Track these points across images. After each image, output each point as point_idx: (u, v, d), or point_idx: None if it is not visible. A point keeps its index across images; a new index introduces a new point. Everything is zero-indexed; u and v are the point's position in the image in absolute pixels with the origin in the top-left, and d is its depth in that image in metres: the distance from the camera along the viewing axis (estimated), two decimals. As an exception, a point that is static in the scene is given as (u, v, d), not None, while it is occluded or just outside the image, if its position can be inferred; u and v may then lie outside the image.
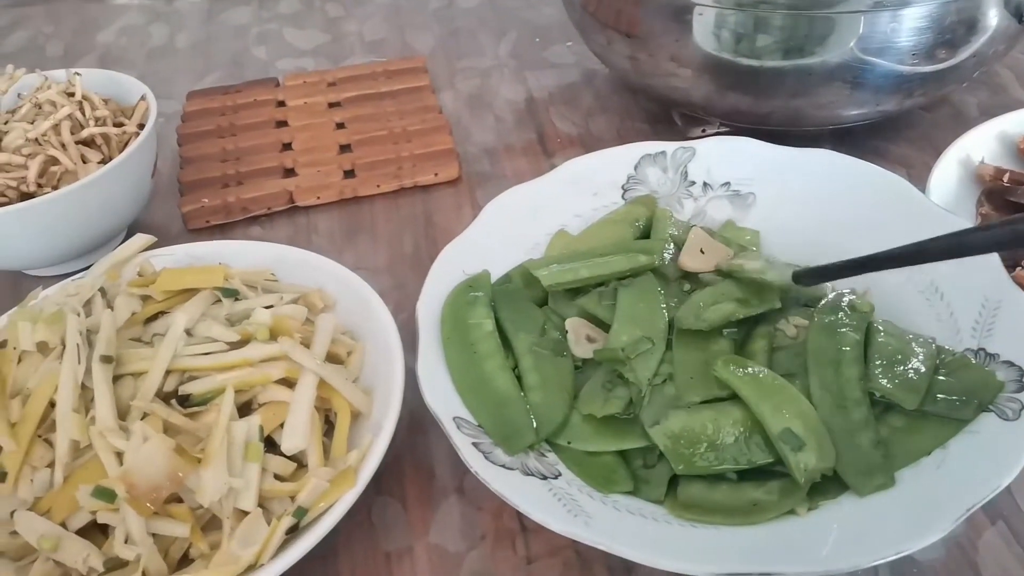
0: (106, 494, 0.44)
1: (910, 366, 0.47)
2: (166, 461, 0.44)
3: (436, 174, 0.74)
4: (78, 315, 0.50)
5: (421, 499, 0.52)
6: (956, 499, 0.41)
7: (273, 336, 0.51)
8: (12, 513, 0.46)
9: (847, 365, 0.48)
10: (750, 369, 0.48)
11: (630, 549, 0.40)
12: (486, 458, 0.45)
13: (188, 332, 0.51)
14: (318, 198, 0.73)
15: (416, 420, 0.54)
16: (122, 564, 0.45)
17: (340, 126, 0.81)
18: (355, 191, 0.74)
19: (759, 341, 0.52)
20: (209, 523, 0.47)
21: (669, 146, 0.63)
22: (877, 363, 0.48)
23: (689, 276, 0.57)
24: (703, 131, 0.75)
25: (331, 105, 0.84)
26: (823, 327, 0.50)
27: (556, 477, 0.47)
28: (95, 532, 0.46)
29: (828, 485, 0.45)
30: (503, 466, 0.46)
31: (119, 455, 0.46)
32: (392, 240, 0.70)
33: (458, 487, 0.52)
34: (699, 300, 0.53)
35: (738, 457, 0.46)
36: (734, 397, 0.48)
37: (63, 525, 0.46)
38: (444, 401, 0.49)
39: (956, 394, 0.46)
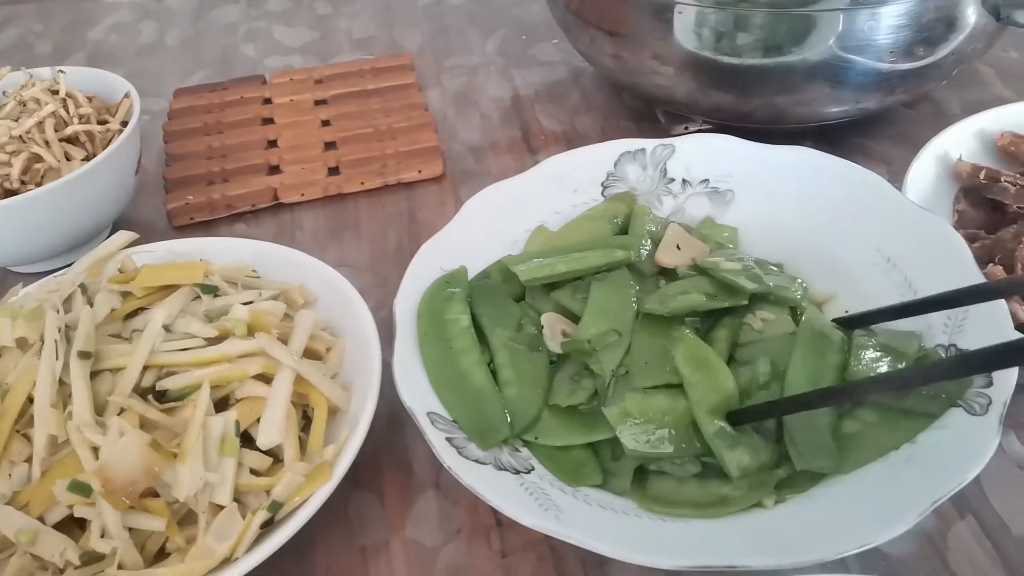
0: (82, 488, 0.44)
1: (892, 361, 0.48)
2: (142, 456, 0.45)
3: (420, 171, 0.75)
4: (57, 311, 0.51)
5: (398, 494, 0.52)
6: (923, 492, 0.41)
7: (251, 332, 0.52)
8: (-10, 507, 0.47)
9: (831, 352, 0.48)
10: (707, 358, 0.48)
11: (600, 543, 0.41)
12: (459, 453, 0.46)
13: (167, 328, 0.52)
14: (302, 195, 0.74)
15: (394, 416, 0.55)
16: (98, 558, 0.46)
17: (326, 123, 0.82)
18: (339, 188, 0.74)
19: (722, 331, 0.52)
20: (185, 517, 0.47)
21: (649, 143, 0.64)
22: (860, 355, 0.49)
23: (665, 272, 0.57)
24: (686, 128, 0.75)
25: (317, 103, 0.85)
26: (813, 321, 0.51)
27: (529, 471, 0.47)
28: (72, 526, 0.47)
29: (796, 479, 0.45)
30: (476, 461, 0.46)
31: (95, 450, 0.46)
32: (375, 237, 0.71)
33: (435, 482, 0.52)
34: (668, 289, 0.54)
35: (686, 444, 0.47)
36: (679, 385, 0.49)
37: (40, 519, 0.46)
38: (419, 396, 0.49)
39: (927, 389, 0.46)
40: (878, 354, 0.48)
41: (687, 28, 0.66)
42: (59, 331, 0.49)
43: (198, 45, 1.00)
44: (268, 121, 0.83)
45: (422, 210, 0.73)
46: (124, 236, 0.59)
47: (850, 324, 0.52)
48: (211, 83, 0.89)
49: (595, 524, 0.44)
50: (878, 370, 0.48)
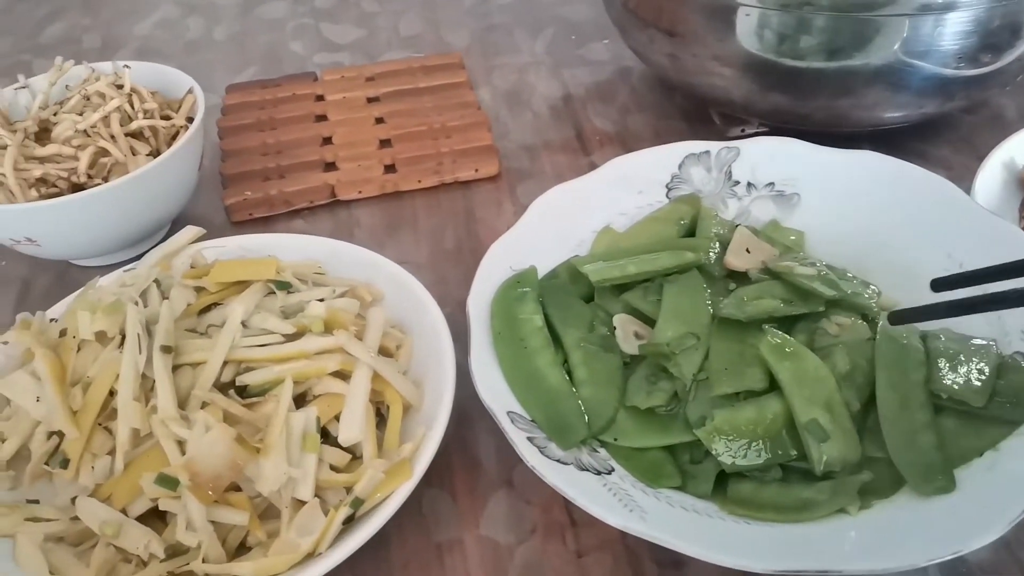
0: (169, 482, 0.45)
1: (973, 367, 0.48)
2: (228, 450, 0.45)
3: (476, 170, 0.75)
4: (137, 305, 0.51)
5: (470, 491, 0.52)
6: (1011, 500, 0.41)
7: (327, 329, 0.52)
8: (74, 499, 0.47)
9: (913, 368, 0.48)
10: (793, 349, 0.48)
11: (689, 544, 0.41)
12: (541, 453, 0.46)
13: (244, 323, 0.52)
14: (359, 192, 0.74)
15: (463, 414, 0.55)
16: (181, 551, 0.46)
17: (379, 121, 0.82)
18: (396, 186, 0.74)
19: (799, 336, 0.52)
20: (265, 512, 0.48)
21: (713, 146, 0.64)
22: (941, 365, 0.49)
23: (734, 275, 0.57)
24: (742, 131, 0.75)
25: (370, 100, 0.85)
26: (890, 332, 0.51)
27: (610, 472, 0.47)
28: (153, 519, 0.47)
29: (879, 485, 0.46)
30: (559, 461, 0.46)
31: (180, 444, 0.46)
32: (434, 235, 0.71)
33: (507, 480, 0.52)
34: (743, 294, 0.54)
35: (782, 451, 0.47)
36: (765, 391, 0.49)
37: (123, 512, 0.47)
38: (497, 396, 0.49)
39: (1008, 396, 0.47)
40: (957, 359, 0.48)
41: (750, 30, 0.66)
42: (141, 325, 0.50)
43: (245, 41, 1.00)
44: (321, 118, 0.83)
45: (479, 208, 0.73)
46: (192, 231, 0.60)
47: (910, 318, 0.50)
48: (263, 79, 0.89)
49: (680, 525, 0.44)
50: (961, 378, 0.48)
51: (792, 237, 0.60)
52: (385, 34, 0.99)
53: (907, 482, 0.45)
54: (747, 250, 0.57)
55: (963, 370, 0.48)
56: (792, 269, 0.53)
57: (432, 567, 0.49)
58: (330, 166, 0.77)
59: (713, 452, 0.46)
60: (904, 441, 0.46)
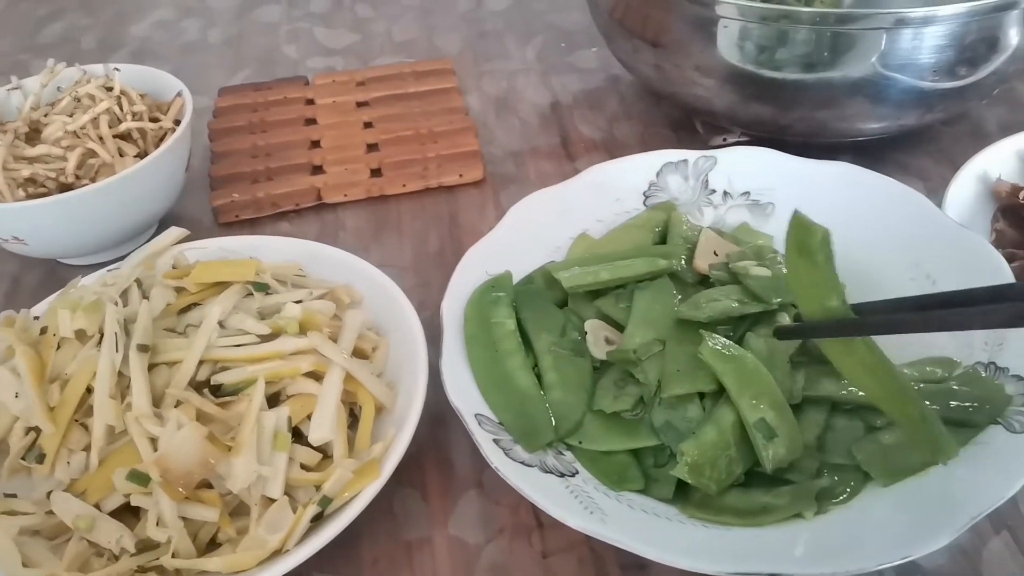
0: (141, 478, 0.46)
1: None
2: (199, 448, 0.46)
3: (461, 175, 0.76)
4: (116, 304, 0.52)
5: (440, 492, 0.53)
6: (962, 507, 0.42)
7: (303, 330, 0.53)
8: (49, 493, 0.48)
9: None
10: (732, 351, 0.49)
11: (645, 546, 0.42)
12: (506, 455, 0.47)
13: (221, 324, 0.53)
14: (345, 196, 0.75)
15: (437, 415, 0.56)
16: (152, 546, 0.47)
17: (368, 125, 0.83)
18: (382, 190, 0.76)
19: (760, 333, 0.52)
20: (236, 509, 0.49)
21: (691, 154, 0.65)
22: None
23: (706, 282, 0.58)
24: (724, 139, 0.76)
25: (359, 104, 0.86)
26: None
27: (573, 475, 0.48)
28: (126, 515, 0.48)
29: (836, 490, 0.46)
30: (522, 463, 0.47)
31: (153, 441, 0.47)
32: (417, 239, 0.72)
33: (477, 481, 0.53)
34: (700, 297, 0.54)
35: (746, 459, 0.48)
36: (713, 394, 0.49)
37: (96, 506, 0.48)
38: (466, 398, 0.50)
39: (969, 402, 0.47)
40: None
41: (731, 42, 0.67)
42: (119, 324, 0.51)
43: (240, 44, 1.01)
44: (311, 122, 0.84)
45: (463, 213, 0.74)
46: (176, 232, 0.61)
47: (792, 334, 0.52)
48: (255, 83, 0.91)
49: (639, 528, 0.45)
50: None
51: (760, 241, 0.61)
52: (379, 39, 1.01)
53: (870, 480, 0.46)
54: (715, 253, 0.58)
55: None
56: (747, 270, 0.54)
57: (401, 565, 0.50)
58: (317, 169, 0.78)
59: (702, 488, 0.46)
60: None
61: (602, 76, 0.90)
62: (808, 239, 0.45)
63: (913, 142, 0.76)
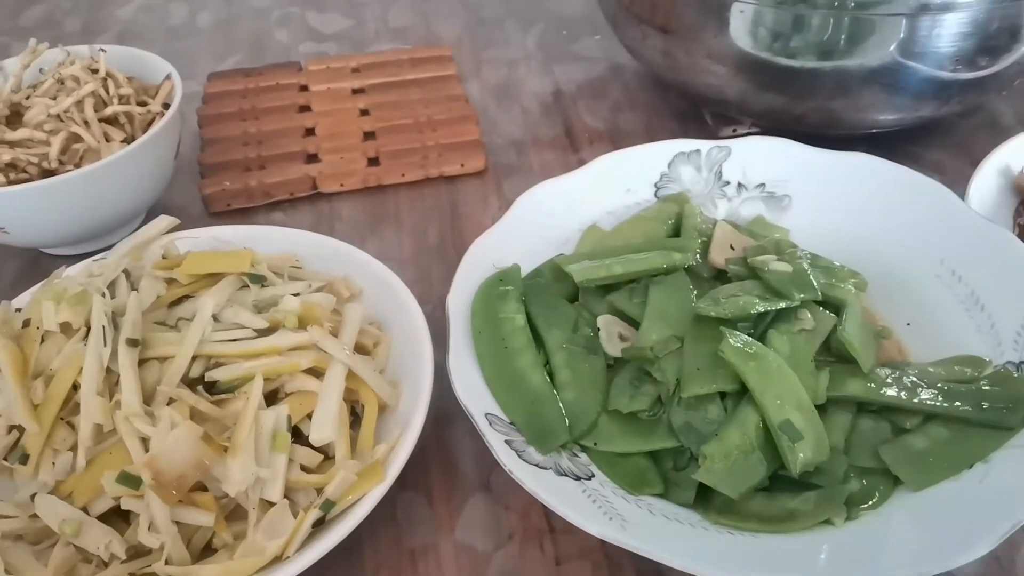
0: (132, 480, 0.43)
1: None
2: (193, 449, 0.43)
3: (462, 165, 0.73)
4: (103, 296, 0.49)
5: (446, 495, 0.51)
6: (1001, 515, 0.40)
7: (301, 324, 0.50)
8: (33, 496, 0.45)
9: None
10: (755, 349, 0.47)
11: (671, 555, 0.39)
12: (519, 456, 0.45)
13: (215, 317, 0.50)
14: (341, 185, 0.72)
15: (440, 414, 0.53)
16: (143, 552, 0.45)
17: (364, 113, 0.80)
18: (379, 179, 0.73)
19: (781, 329, 0.50)
20: (232, 513, 0.46)
21: (704, 144, 0.62)
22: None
23: (722, 276, 0.56)
24: (734, 131, 0.74)
25: (355, 91, 0.83)
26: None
27: (589, 478, 0.46)
28: (115, 519, 0.45)
29: (866, 496, 0.44)
30: (537, 465, 0.45)
31: (144, 441, 0.45)
32: (417, 230, 0.69)
33: (484, 484, 0.51)
34: (720, 292, 0.52)
35: (770, 462, 0.45)
36: (734, 393, 0.47)
37: (84, 510, 0.45)
38: (475, 397, 0.48)
39: (1003, 402, 0.45)
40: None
41: (744, 27, 0.65)
42: (106, 316, 0.48)
43: (230, 29, 0.98)
44: (305, 108, 0.81)
45: (464, 204, 0.71)
46: (166, 221, 0.58)
47: None
48: (246, 68, 0.87)
49: (662, 535, 0.42)
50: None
51: (776, 234, 0.59)
52: (373, 25, 0.97)
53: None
54: (731, 247, 0.56)
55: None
56: (767, 264, 0.52)
57: (405, 573, 0.47)
58: (312, 158, 0.75)
59: (721, 491, 0.44)
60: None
61: (605, 65, 0.88)
62: None
63: (928, 135, 0.74)
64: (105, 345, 0.47)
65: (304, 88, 0.84)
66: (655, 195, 0.62)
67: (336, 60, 0.87)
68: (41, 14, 1.03)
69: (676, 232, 0.60)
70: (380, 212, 0.71)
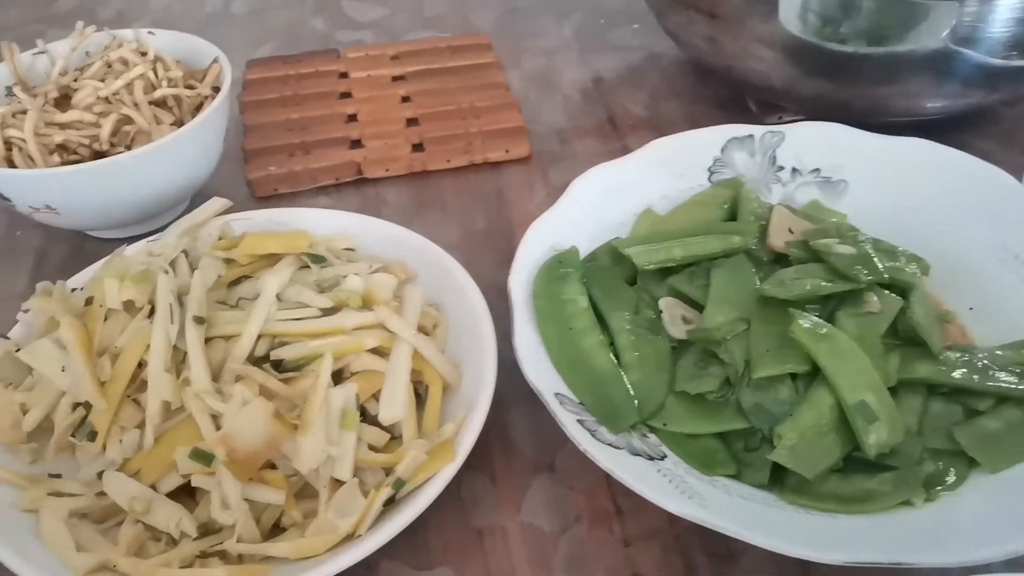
0: (204, 457, 0.43)
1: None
2: (266, 425, 0.43)
3: (507, 151, 0.73)
4: (167, 274, 0.49)
5: (510, 476, 0.50)
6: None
7: (365, 304, 0.50)
8: (100, 474, 0.45)
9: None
10: (826, 330, 0.46)
11: (752, 533, 0.39)
12: (593, 436, 0.44)
13: (278, 297, 0.50)
14: (387, 170, 0.72)
15: (498, 396, 0.53)
16: (212, 530, 0.44)
17: (405, 100, 0.80)
18: (424, 165, 0.72)
19: (848, 312, 0.50)
20: (300, 492, 0.46)
21: (757, 130, 0.62)
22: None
23: (780, 260, 0.55)
24: (779, 118, 0.74)
25: (395, 79, 0.83)
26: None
27: (662, 458, 0.45)
28: (183, 496, 0.45)
29: (943, 477, 0.44)
30: (610, 445, 0.44)
31: (215, 418, 0.44)
32: (463, 216, 0.69)
33: (548, 465, 0.51)
34: (785, 275, 0.52)
35: (845, 444, 0.45)
36: (806, 374, 0.47)
37: (152, 487, 0.44)
38: (544, 377, 0.47)
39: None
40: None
41: (793, 12, 0.65)
42: (172, 294, 0.48)
43: (264, 17, 0.98)
44: (346, 95, 0.81)
45: (510, 190, 0.71)
46: (219, 202, 0.58)
47: None
48: (285, 55, 0.87)
49: (741, 513, 0.42)
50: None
51: (833, 219, 0.59)
52: (408, 14, 0.97)
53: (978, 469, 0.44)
54: (790, 231, 0.56)
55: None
56: (830, 247, 0.51)
57: (473, 552, 0.47)
58: (356, 144, 0.75)
59: (797, 470, 0.44)
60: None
61: (643, 54, 0.88)
62: None
63: (973, 124, 0.73)
64: (172, 322, 0.47)
65: (344, 75, 0.83)
66: (708, 180, 0.61)
67: (375, 48, 0.87)
68: (75, 1, 1.02)
69: (731, 216, 0.59)
70: (426, 197, 0.71)
